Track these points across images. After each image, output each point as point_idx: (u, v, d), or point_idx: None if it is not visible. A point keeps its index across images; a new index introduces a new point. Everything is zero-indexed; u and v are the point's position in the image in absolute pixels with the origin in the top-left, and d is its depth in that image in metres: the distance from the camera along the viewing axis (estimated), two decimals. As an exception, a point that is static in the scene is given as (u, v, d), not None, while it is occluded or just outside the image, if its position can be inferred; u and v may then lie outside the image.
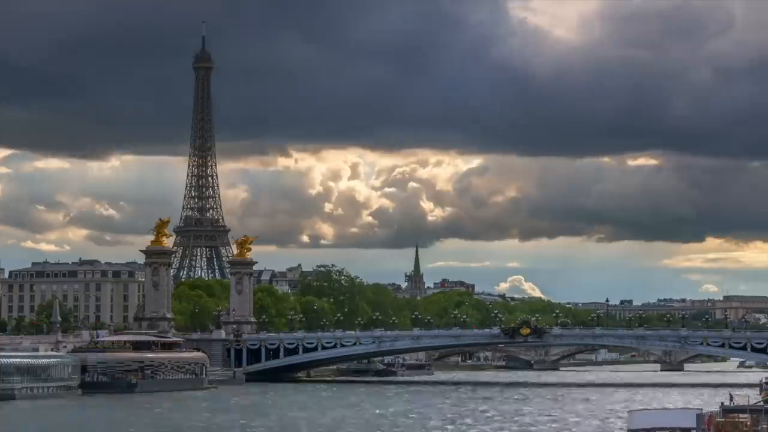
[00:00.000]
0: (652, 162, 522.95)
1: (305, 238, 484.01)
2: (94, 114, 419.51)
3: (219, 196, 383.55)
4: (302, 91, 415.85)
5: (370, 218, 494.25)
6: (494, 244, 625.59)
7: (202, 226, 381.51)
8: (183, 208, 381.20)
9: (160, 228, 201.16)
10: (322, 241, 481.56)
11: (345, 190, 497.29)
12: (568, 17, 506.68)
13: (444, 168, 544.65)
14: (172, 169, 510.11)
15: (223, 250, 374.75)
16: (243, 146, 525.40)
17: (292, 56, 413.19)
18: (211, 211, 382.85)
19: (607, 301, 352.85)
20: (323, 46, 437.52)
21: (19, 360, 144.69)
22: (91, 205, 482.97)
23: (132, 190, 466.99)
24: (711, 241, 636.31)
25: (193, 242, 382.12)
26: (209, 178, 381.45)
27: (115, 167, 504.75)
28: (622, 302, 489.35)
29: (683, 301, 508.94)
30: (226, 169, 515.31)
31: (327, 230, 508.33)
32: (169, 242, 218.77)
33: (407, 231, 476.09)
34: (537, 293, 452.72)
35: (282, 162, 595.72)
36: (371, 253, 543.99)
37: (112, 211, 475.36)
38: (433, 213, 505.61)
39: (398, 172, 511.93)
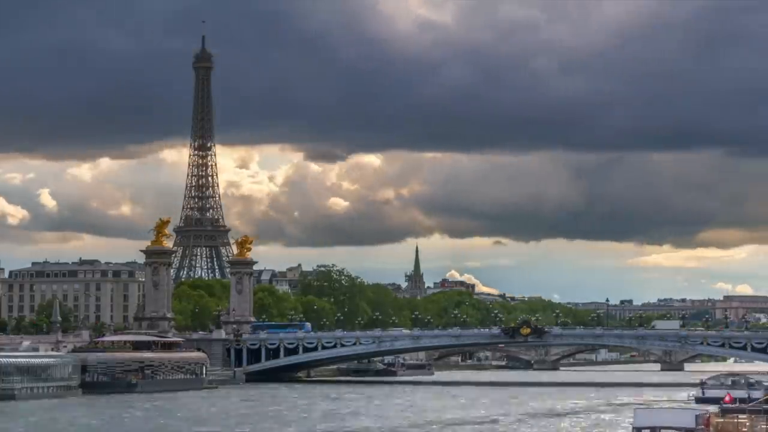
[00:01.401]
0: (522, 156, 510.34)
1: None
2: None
3: (219, 196, 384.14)
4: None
5: (272, 213, 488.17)
6: (421, 242, 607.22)
7: (202, 226, 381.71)
8: (183, 207, 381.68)
9: (160, 228, 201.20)
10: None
11: (242, 185, 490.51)
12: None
13: (337, 164, 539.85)
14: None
15: (223, 250, 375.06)
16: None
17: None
18: (211, 210, 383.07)
19: (607, 300, 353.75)
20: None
21: (19, 360, 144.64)
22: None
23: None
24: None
25: (193, 242, 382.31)
26: (209, 178, 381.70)
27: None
28: (622, 302, 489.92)
29: (683, 300, 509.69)
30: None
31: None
32: (169, 242, 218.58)
33: (311, 228, 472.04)
34: (483, 288, 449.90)
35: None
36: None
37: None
38: (336, 210, 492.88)
39: (298, 169, 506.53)
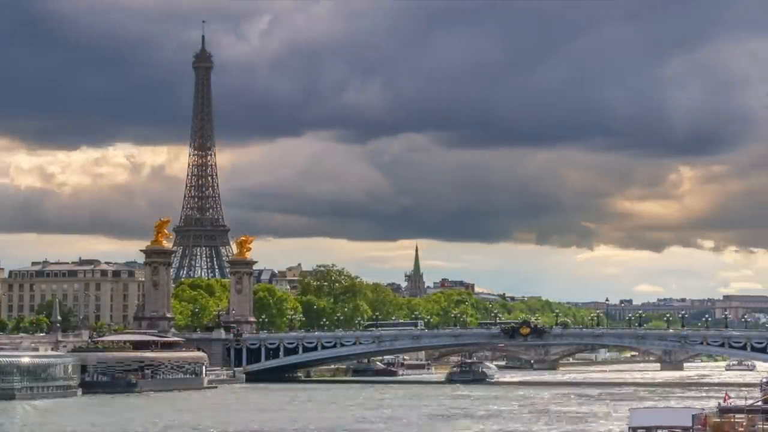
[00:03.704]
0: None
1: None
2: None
3: (219, 196, 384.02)
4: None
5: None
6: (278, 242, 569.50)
7: (202, 226, 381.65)
8: (183, 207, 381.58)
9: (159, 228, 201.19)
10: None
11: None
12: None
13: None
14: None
15: (223, 250, 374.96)
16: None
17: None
18: (210, 210, 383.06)
19: (607, 300, 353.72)
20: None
21: (18, 360, 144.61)
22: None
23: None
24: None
25: (193, 242, 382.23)
26: (209, 178, 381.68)
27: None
28: (622, 302, 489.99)
29: (683, 300, 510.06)
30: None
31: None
32: (168, 242, 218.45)
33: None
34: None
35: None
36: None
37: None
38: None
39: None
